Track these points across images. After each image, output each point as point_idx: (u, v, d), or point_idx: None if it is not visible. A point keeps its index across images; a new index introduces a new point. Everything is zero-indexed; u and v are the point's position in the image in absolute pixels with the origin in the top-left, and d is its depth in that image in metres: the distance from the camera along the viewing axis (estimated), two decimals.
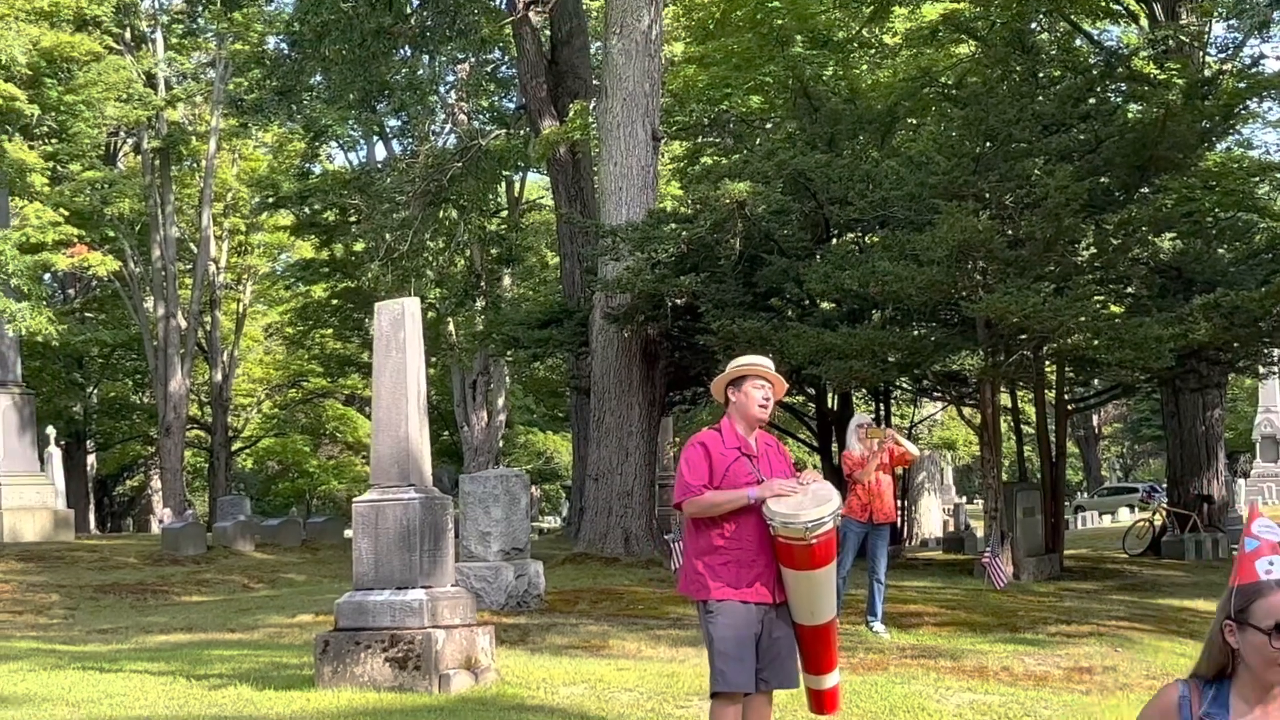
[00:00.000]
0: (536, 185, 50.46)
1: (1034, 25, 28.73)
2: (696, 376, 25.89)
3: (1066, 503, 47.52)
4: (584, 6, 34.51)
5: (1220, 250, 24.07)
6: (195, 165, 47.71)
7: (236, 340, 52.27)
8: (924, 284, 19.87)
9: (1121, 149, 21.59)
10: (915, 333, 22.58)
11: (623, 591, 18.45)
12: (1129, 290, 23.29)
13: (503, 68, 42.34)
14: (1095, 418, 72.21)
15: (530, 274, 51.37)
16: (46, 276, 47.57)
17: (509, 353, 34.13)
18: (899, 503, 26.88)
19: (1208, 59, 28.85)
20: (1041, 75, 23.93)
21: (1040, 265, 20.52)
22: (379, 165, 45.65)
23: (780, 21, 30.80)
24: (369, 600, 11.06)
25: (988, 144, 21.10)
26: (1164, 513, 30.11)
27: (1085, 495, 68.46)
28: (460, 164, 35.97)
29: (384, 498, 11.22)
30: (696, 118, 33.21)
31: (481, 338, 37.39)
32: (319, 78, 35.23)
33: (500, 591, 16.22)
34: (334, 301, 50.55)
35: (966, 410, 26.58)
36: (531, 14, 30.73)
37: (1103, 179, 21.80)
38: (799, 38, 31.37)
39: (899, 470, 18.07)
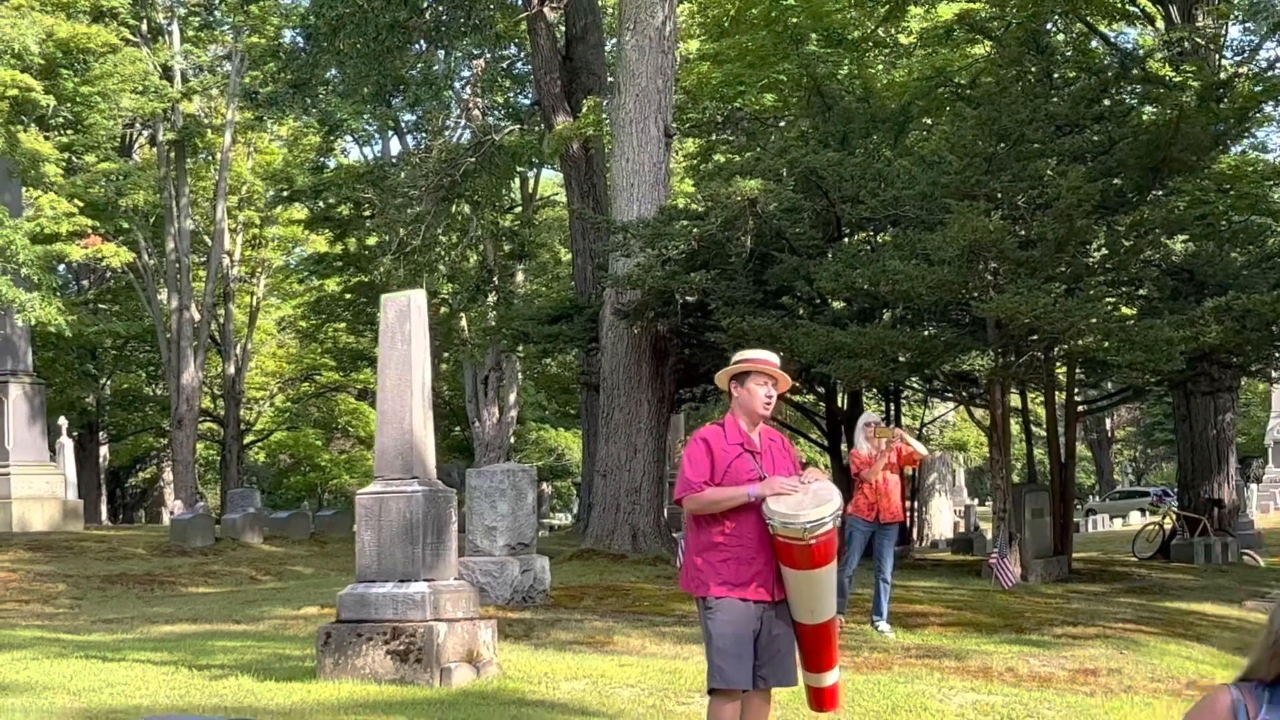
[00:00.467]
0: (551, 182, 50.48)
1: (1049, 26, 28.63)
2: (706, 374, 25.79)
3: (1077, 506, 47.53)
4: (599, 3, 34.54)
5: (1233, 253, 23.97)
6: (210, 158, 47.80)
7: (249, 333, 52.33)
8: (935, 283, 19.83)
9: (1135, 150, 21.52)
10: (925, 332, 22.53)
11: (629, 588, 18.43)
12: (1140, 292, 23.21)
13: (517, 63, 42.35)
14: (1108, 421, 72.14)
15: (543, 270, 51.38)
16: (61, 267, 47.77)
17: (519, 348, 34.12)
18: (908, 503, 26.84)
19: (1223, 61, 28.77)
20: (1056, 76, 23.87)
21: (1052, 266, 20.46)
22: (393, 160, 45.67)
23: (795, 20, 30.77)
24: (371, 593, 11.04)
25: (1000, 144, 21.05)
26: (1174, 516, 30.04)
27: (1097, 499, 68.37)
28: (474, 159, 35.95)
29: (387, 490, 11.19)
30: (710, 115, 33.17)
31: (492, 333, 37.39)
32: (334, 72, 35.27)
33: (506, 586, 16.21)
34: (347, 296, 50.60)
35: (978, 412, 26.52)
36: (546, 9, 30.75)
37: (1115, 180, 21.74)
38: (814, 36, 31.31)
39: (908, 470, 18.05)
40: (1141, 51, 29.35)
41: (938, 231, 19.88)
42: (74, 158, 41.33)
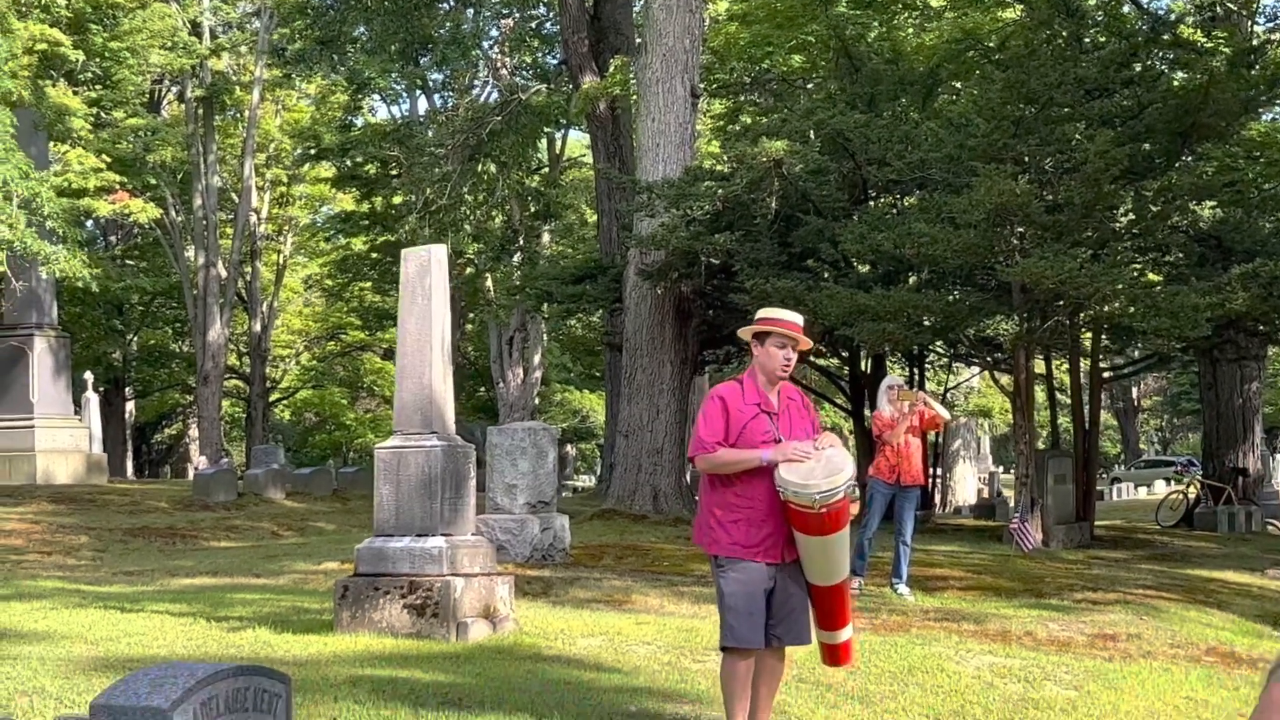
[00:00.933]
0: (578, 143, 50.35)
1: None
2: (729, 335, 25.78)
3: (1103, 474, 47.41)
4: None
5: (1261, 220, 23.80)
6: (238, 115, 47.85)
7: (276, 291, 52.42)
8: (960, 247, 19.74)
9: (1164, 115, 21.35)
10: (950, 296, 22.43)
11: (649, 548, 18.45)
12: (1167, 258, 23.06)
13: (546, 23, 42.22)
14: (1135, 390, 71.90)
15: (569, 231, 51.30)
16: (89, 223, 47.92)
17: (543, 307, 34.11)
18: (931, 469, 26.78)
19: (1255, 27, 28.51)
20: (1085, 39, 23.65)
21: (1078, 231, 20.35)
22: (420, 119, 45.62)
23: None
24: (389, 546, 11.05)
25: (1029, 107, 20.90)
26: (1198, 485, 29.97)
27: (1122, 468, 68.23)
28: (500, 119, 35.90)
29: (406, 444, 11.19)
30: (737, 76, 33.05)
31: (516, 291, 37.38)
32: (362, 29, 35.20)
33: (525, 544, 16.22)
34: (373, 255, 50.62)
35: (1002, 378, 26.45)
36: None
37: (1144, 145, 21.59)
38: None
39: (930, 434, 18.00)
40: (1173, 16, 29.06)
41: (964, 195, 19.79)
42: (102, 113, 41.40)
